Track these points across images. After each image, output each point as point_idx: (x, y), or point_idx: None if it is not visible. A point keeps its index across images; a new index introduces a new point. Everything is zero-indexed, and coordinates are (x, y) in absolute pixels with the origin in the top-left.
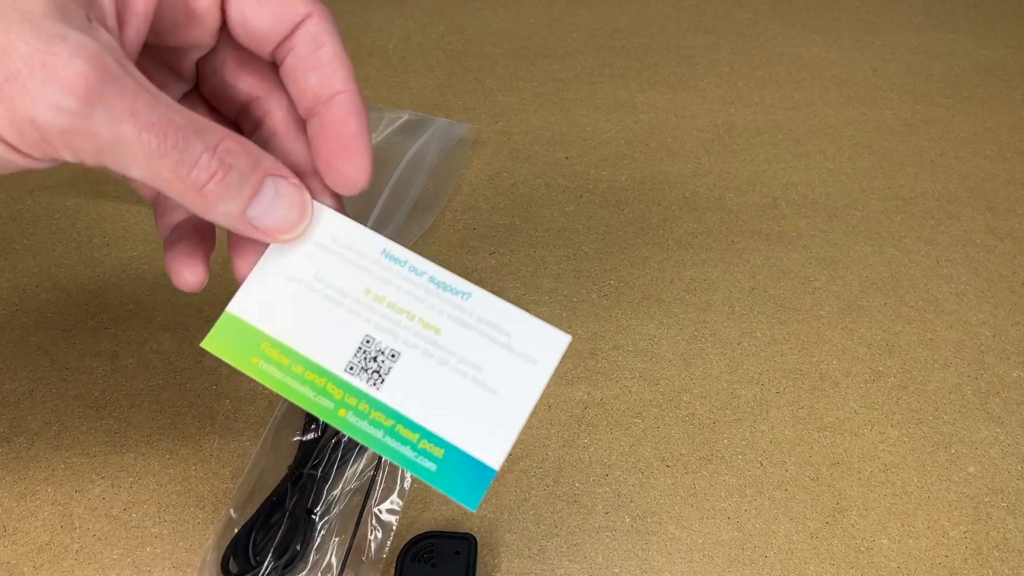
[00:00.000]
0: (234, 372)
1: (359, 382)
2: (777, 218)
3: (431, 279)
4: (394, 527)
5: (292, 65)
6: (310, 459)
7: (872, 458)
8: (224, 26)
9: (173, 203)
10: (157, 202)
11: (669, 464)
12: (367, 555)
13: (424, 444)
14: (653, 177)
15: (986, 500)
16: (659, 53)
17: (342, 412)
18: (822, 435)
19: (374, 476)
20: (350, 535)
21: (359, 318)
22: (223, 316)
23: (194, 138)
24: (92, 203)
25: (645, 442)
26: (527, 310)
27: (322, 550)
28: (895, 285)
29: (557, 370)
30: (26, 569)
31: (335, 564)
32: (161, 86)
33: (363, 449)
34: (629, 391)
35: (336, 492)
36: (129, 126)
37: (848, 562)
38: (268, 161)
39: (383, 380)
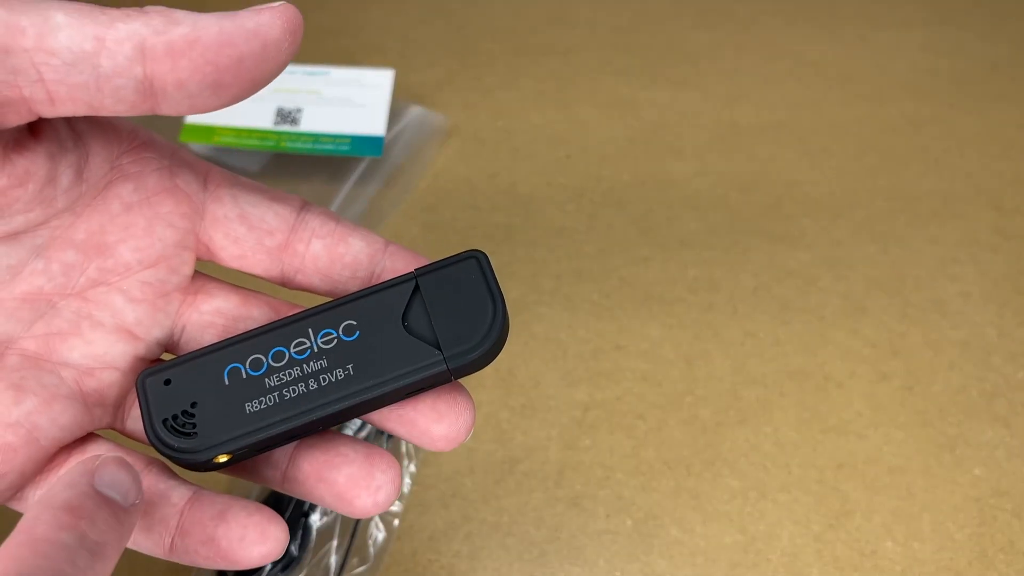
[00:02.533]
0: None
1: (285, 126)
2: (781, 217)
3: (304, 72)
4: (393, 529)
5: (327, 243)
6: None
7: (877, 460)
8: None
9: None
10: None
11: (671, 466)
12: (366, 557)
13: (338, 141)
14: (655, 176)
15: (992, 503)
16: (661, 50)
17: (283, 143)
18: (826, 437)
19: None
20: (348, 538)
21: (270, 101)
22: (184, 126)
23: None
24: None
25: (647, 444)
26: (527, 310)
27: (321, 553)
28: (900, 285)
29: (558, 370)
30: None
31: (333, 567)
32: None
33: None
34: (631, 392)
35: None
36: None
37: (853, 565)
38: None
39: (298, 122)
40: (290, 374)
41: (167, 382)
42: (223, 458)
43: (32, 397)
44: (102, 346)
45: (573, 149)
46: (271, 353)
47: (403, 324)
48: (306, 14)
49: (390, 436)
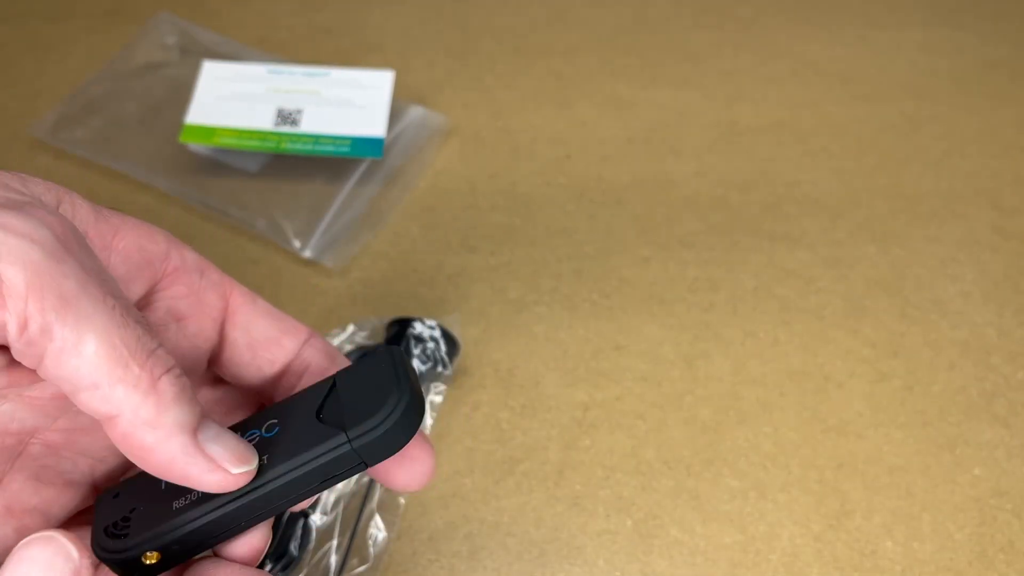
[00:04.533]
0: None
1: (285, 127)
2: (781, 217)
3: (304, 73)
4: (393, 529)
5: (312, 381)
6: None
7: (877, 460)
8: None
9: None
10: None
11: (671, 466)
12: (366, 557)
13: (338, 142)
14: (655, 176)
15: (991, 503)
16: (661, 50)
17: (283, 144)
18: (826, 437)
19: (372, 479)
20: (348, 538)
21: (270, 102)
22: (184, 127)
23: (151, 330)
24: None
25: (647, 444)
26: (527, 310)
27: (321, 553)
28: (900, 285)
29: (557, 370)
30: None
31: (333, 567)
32: None
33: None
34: (631, 392)
35: (335, 495)
36: (97, 283)
37: (852, 565)
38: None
39: (298, 123)
40: None
41: (116, 495)
42: (153, 557)
43: (50, 488)
44: None
45: (573, 149)
46: None
47: (317, 417)
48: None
49: None
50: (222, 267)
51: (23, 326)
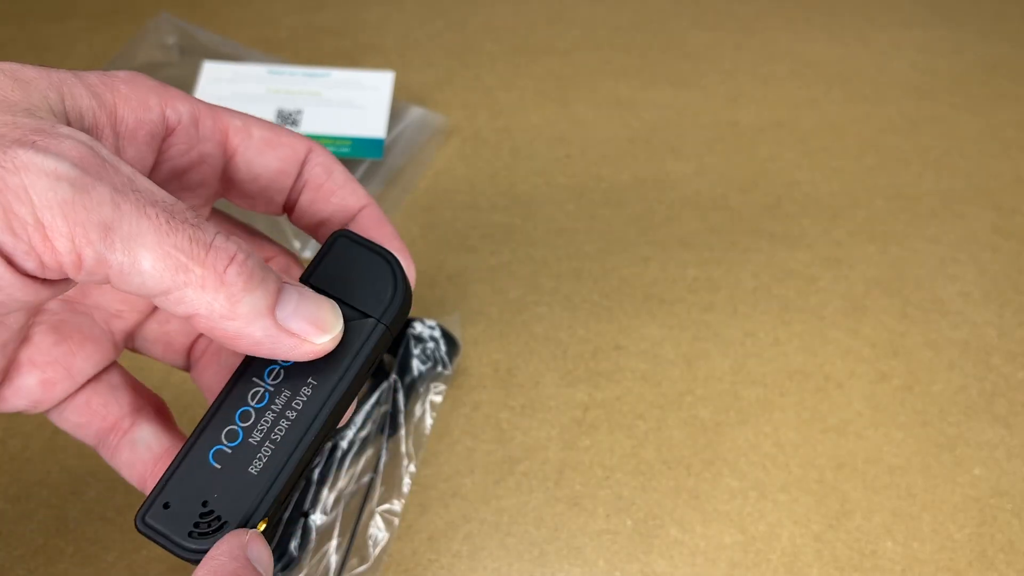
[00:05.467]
0: None
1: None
2: (781, 217)
3: (304, 73)
4: (393, 529)
5: (311, 196)
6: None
7: (877, 460)
8: (230, 180)
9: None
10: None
11: (671, 466)
12: (366, 557)
13: (339, 143)
14: (655, 175)
15: (991, 503)
16: (661, 50)
17: None
18: (826, 437)
19: (372, 479)
20: (348, 538)
21: (270, 102)
22: None
23: (205, 221)
24: None
25: (647, 444)
26: (527, 310)
27: (321, 553)
28: (900, 285)
29: (557, 370)
30: (21, 572)
31: (333, 567)
32: None
33: (361, 452)
34: (631, 392)
35: (335, 495)
36: (133, 199)
37: (852, 565)
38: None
39: (298, 123)
40: (267, 420)
41: (166, 506)
42: (262, 525)
43: (69, 341)
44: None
45: (573, 149)
46: (237, 416)
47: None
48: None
49: (391, 435)
50: None
51: (78, 263)
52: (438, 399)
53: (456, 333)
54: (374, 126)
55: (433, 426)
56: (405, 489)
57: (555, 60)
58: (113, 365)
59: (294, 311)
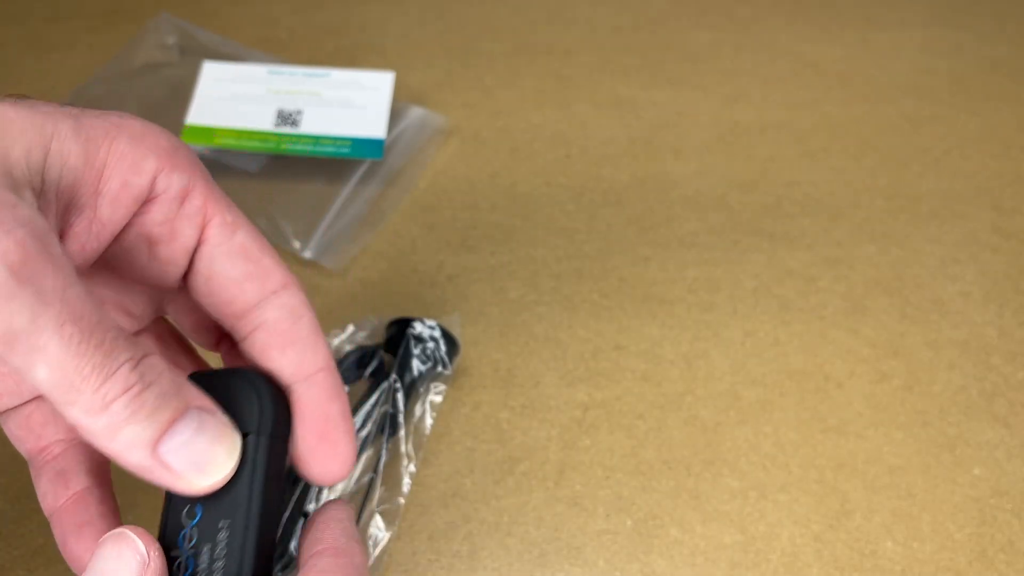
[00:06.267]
0: None
1: (285, 128)
2: (781, 217)
3: (304, 73)
4: (393, 529)
5: (265, 338)
6: None
7: (877, 460)
8: (186, 280)
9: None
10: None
11: (671, 466)
12: (367, 556)
13: (339, 143)
14: (655, 175)
15: (991, 502)
16: (661, 50)
17: (283, 145)
18: (826, 437)
19: (372, 479)
20: None
21: (270, 103)
22: (185, 127)
23: (121, 345)
24: None
25: (647, 444)
26: (527, 310)
27: None
28: (900, 285)
29: (558, 370)
30: (20, 572)
31: None
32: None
33: (361, 452)
34: (631, 392)
35: (335, 494)
36: (54, 313)
37: (852, 565)
38: (196, 394)
39: (298, 123)
40: (202, 564)
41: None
42: None
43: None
44: None
45: (573, 149)
46: (176, 553)
47: None
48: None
49: (391, 435)
50: None
51: None
52: (438, 399)
53: (456, 333)
54: (374, 126)
55: (433, 426)
56: (405, 489)
57: (555, 60)
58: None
59: (181, 446)
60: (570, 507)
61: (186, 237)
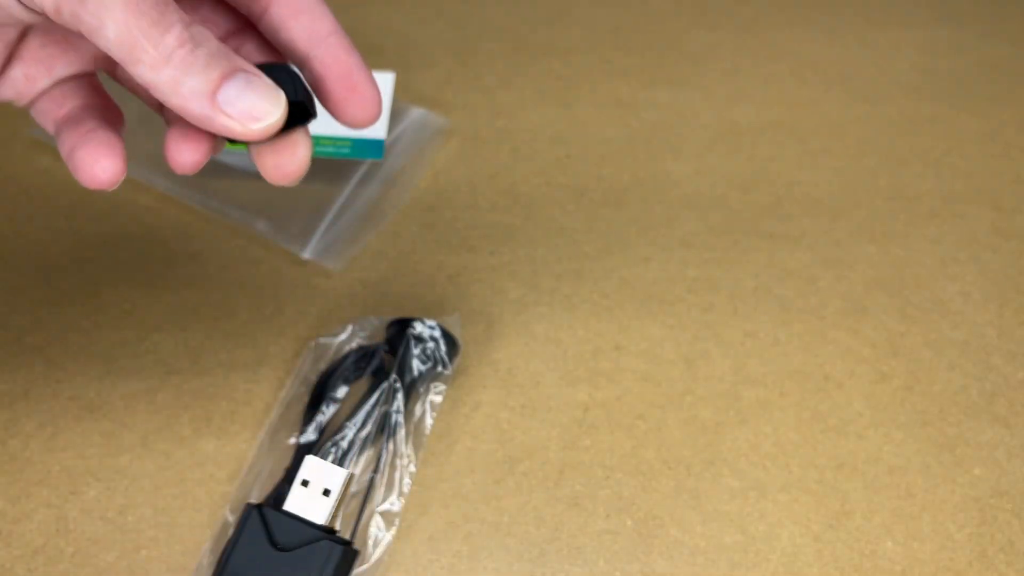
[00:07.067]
0: (231, 373)
1: None
2: (781, 217)
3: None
4: (393, 529)
5: (278, 13)
6: None
7: (877, 460)
8: None
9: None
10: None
11: (671, 466)
12: (366, 558)
13: (339, 144)
14: (655, 176)
15: (992, 503)
16: (661, 50)
17: None
18: (826, 437)
19: (373, 478)
20: (349, 536)
21: None
22: None
23: (172, 7)
24: (87, 200)
25: (647, 444)
26: (527, 310)
27: None
28: (900, 285)
29: (558, 370)
30: (20, 572)
31: None
32: None
33: (361, 451)
34: (631, 392)
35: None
36: None
37: (852, 565)
38: (241, 60)
39: None
40: None
41: None
42: None
43: (54, 45)
44: None
45: (573, 149)
46: None
47: (277, 549)
48: None
49: (391, 435)
50: (223, 267)
51: (57, 11)
52: (438, 399)
53: (456, 333)
54: (374, 127)
55: (433, 426)
56: (405, 489)
57: (555, 60)
58: (90, 75)
59: (235, 97)
60: (570, 507)
61: None
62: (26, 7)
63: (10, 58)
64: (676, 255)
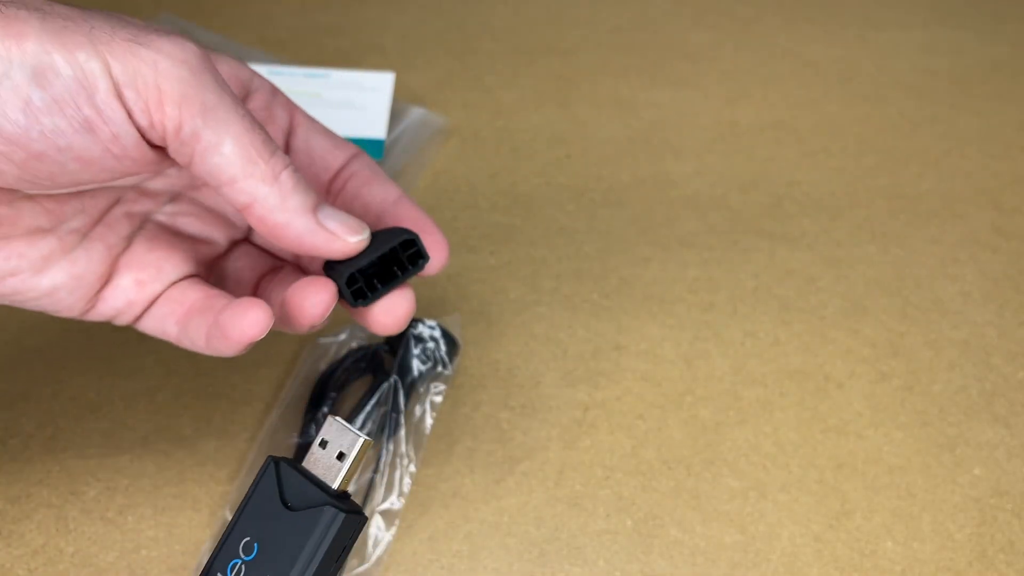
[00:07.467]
0: (231, 373)
1: None
2: (781, 217)
3: (304, 74)
4: (393, 529)
5: (356, 185)
6: None
7: (877, 460)
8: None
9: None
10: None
11: (671, 466)
12: (366, 558)
13: None
14: (655, 175)
15: (991, 503)
16: (661, 50)
17: None
18: (826, 437)
19: (373, 477)
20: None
21: None
22: None
23: (271, 137)
24: None
25: (647, 444)
26: (527, 310)
27: None
28: (900, 285)
29: (558, 370)
30: (20, 572)
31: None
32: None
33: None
34: (631, 392)
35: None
36: (231, 97)
37: (852, 565)
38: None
39: None
40: None
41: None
42: None
43: (160, 248)
44: None
45: (573, 149)
46: None
47: (287, 507)
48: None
49: (391, 435)
50: None
51: (178, 130)
52: (438, 399)
53: (456, 333)
54: (374, 127)
55: (433, 426)
56: (405, 489)
57: (555, 60)
58: (195, 276)
59: (332, 215)
60: (570, 507)
61: (281, 120)
62: (146, 141)
63: (116, 266)
64: (676, 255)
